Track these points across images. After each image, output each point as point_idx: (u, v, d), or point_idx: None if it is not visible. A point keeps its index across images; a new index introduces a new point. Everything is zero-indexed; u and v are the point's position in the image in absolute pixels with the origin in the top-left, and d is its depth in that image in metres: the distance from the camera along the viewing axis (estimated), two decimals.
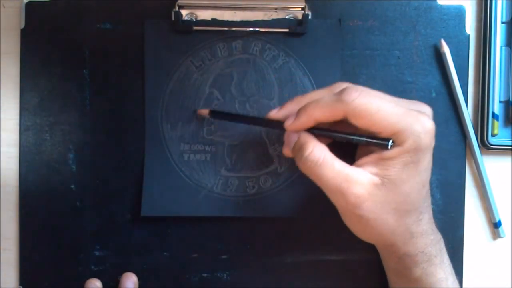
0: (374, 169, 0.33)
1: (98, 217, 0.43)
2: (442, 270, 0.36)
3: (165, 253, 0.43)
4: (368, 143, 0.33)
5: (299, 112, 0.35)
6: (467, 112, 0.42)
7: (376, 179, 0.32)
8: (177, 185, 0.42)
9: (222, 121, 0.42)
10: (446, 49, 0.41)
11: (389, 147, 0.32)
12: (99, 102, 0.43)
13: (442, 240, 0.37)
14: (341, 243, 0.43)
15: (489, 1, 0.42)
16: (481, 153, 0.43)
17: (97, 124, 0.43)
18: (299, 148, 0.35)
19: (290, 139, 0.36)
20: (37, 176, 0.43)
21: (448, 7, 0.43)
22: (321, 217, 0.41)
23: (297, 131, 0.35)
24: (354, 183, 0.32)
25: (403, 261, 0.36)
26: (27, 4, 0.42)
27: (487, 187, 0.43)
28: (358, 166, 0.33)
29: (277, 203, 0.42)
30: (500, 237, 0.44)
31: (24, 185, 0.43)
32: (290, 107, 0.36)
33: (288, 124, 0.35)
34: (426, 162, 0.33)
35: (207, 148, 0.42)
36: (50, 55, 0.43)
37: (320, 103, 0.33)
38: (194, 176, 0.42)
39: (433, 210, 0.42)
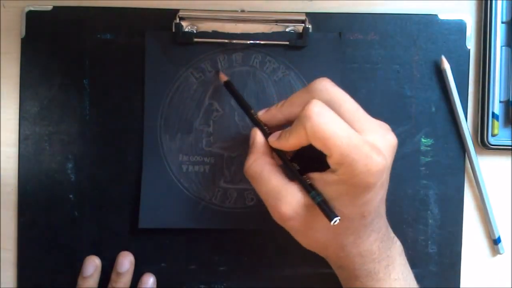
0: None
1: (96, 228, 0.43)
2: (387, 284, 0.35)
3: (162, 264, 0.43)
4: (318, 206, 0.33)
5: (281, 135, 0.34)
6: (467, 129, 0.42)
7: (307, 200, 0.33)
8: (175, 197, 0.42)
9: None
10: (446, 65, 0.41)
11: (331, 222, 0.31)
12: (99, 112, 0.43)
13: (392, 256, 0.36)
14: None
15: (489, 1, 0.42)
16: (482, 154, 0.43)
17: (96, 134, 0.43)
18: (247, 154, 0.36)
19: (250, 136, 0.37)
20: (35, 185, 0.43)
21: (449, 22, 0.43)
22: None
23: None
24: (282, 202, 0.33)
25: (341, 272, 0.37)
26: (28, 13, 0.42)
27: (487, 204, 0.43)
28: (309, 179, 0.33)
29: None
30: (500, 253, 0.44)
31: (22, 195, 0.43)
32: (271, 114, 0.36)
33: (271, 140, 0.35)
34: (367, 197, 0.32)
35: (206, 159, 0.42)
36: (50, 64, 0.43)
37: (292, 133, 0.33)
38: (192, 187, 0.42)
39: (431, 225, 0.43)
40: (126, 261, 0.42)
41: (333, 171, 0.32)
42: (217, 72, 0.42)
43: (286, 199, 0.33)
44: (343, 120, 0.31)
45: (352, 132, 0.31)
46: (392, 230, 0.37)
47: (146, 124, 0.42)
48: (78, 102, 0.43)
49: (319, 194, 0.32)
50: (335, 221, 0.31)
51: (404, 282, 0.36)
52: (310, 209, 0.33)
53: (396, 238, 0.37)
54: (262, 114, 0.37)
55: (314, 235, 0.34)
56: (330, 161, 0.31)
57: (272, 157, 0.35)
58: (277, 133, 0.35)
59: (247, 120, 0.42)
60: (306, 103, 0.32)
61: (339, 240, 0.34)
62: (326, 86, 0.34)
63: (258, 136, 0.36)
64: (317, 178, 0.33)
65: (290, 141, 0.33)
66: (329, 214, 0.32)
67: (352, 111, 0.33)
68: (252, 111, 0.38)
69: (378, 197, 0.33)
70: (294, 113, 0.34)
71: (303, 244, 0.36)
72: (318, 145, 0.31)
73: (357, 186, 0.31)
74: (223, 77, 0.41)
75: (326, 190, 0.32)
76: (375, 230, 0.35)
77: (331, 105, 0.32)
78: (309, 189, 0.33)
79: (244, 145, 0.42)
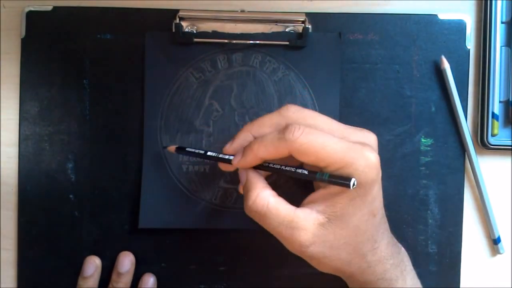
0: (321, 206, 0.33)
1: (96, 227, 0.43)
2: None
3: (162, 264, 0.43)
4: (330, 182, 0.32)
5: (245, 150, 0.34)
6: (467, 129, 0.42)
7: (322, 218, 0.32)
8: (175, 197, 0.42)
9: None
10: (446, 65, 0.41)
11: (351, 187, 0.31)
12: (99, 112, 0.43)
13: (404, 260, 0.37)
14: None
15: (489, 1, 0.42)
16: (482, 154, 0.43)
17: (96, 134, 0.43)
18: (245, 193, 0.34)
19: (241, 177, 0.36)
20: (35, 185, 0.43)
21: (449, 22, 0.43)
22: None
23: (246, 168, 0.35)
24: (298, 230, 0.32)
25: None
26: (28, 13, 0.42)
27: (487, 204, 0.43)
28: (307, 203, 0.33)
29: None
30: (500, 253, 0.44)
31: (23, 195, 0.43)
32: (242, 138, 0.36)
33: (235, 162, 0.35)
34: (374, 193, 0.33)
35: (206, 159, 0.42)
36: (50, 65, 0.43)
37: (264, 142, 0.33)
38: (192, 187, 0.42)
39: (431, 225, 0.43)
40: (126, 261, 0.42)
41: None
42: (164, 147, 0.42)
43: (302, 224, 0.32)
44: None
45: (338, 138, 0.32)
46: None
47: (146, 124, 0.42)
48: (78, 102, 0.43)
49: (323, 172, 0.32)
50: (354, 184, 0.30)
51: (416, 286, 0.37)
52: (327, 227, 0.32)
53: (399, 244, 0.37)
54: (229, 148, 0.36)
55: (337, 254, 0.33)
56: (330, 169, 0.32)
57: (272, 189, 0.34)
58: (238, 154, 0.35)
59: (247, 119, 0.42)
60: (278, 125, 0.33)
61: (360, 250, 0.34)
62: (296, 107, 0.35)
63: (249, 173, 0.35)
64: (321, 196, 0.33)
65: (261, 152, 0.33)
66: (344, 181, 0.30)
67: (327, 123, 0.34)
68: (214, 154, 0.37)
69: (381, 192, 0.34)
70: (264, 134, 0.34)
71: (324, 269, 0.35)
72: (310, 161, 0.32)
73: (364, 184, 0.31)
74: (171, 149, 0.40)
75: (335, 202, 0.32)
76: (385, 232, 0.35)
77: (306, 122, 0.33)
78: (312, 174, 0.32)
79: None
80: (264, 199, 0.33)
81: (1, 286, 0.43)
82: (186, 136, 0.42)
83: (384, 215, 0.35)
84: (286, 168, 0.34)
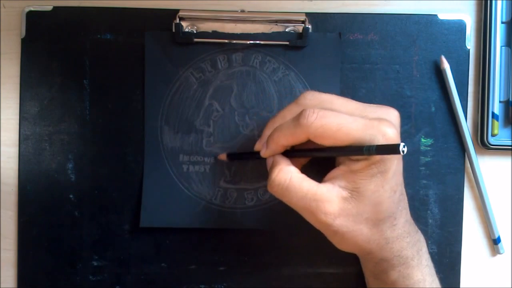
0: (343, 182, 0.33)
1: (97, 227, 0.43)
2: (420, 271, 0.36)
3: (162, 264, 0.43)
4: (379, 153, 0.31)
5: (268, 140, 0.36)
6: (467, 129, 0.42)
7: (345, 193, 0.33)
8: (176, 197, 0.42)
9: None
10: (446, 65, 0.42)
11: (402, 152, 0.28)
12: (99, 112, 0.43)
13: (421, 240, 0.37)
14: (339, 256, 0.43)
15: (489, 1, 0.42)
16: (482, 154, 0.43)
17: (96, 134, 0.43)
18: (269, 171, 0.35)
19: (268, 163, 0.37)
20: (36, 185, 0.43)
21: (449, 22, 0.43)
22: (318, 230, 0.41)
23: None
24: (323, 202, 0.33)
25: (380, 265, 0.36)
26: (28, 13, 0.42)
27: (487, 204, 0.43)
28: (329, 179, 0.34)
29: (276, 215, 0.42)
30: (500, 253, 0.44)
31: (23, 195, 0.43)
32: (266, 134, 0.37)
33: (262, 153, 0.37)
34: (393, 169, 0.32)
35: (206, 159, 0.42)
36: (50, 65, 0.43)
37: (282, 130, 0.34)
38: (193, 187, 0.42)
39: (431, 225, 0.43)
40: None
41: (356, 159, 0.32)
42: (215, 157, 0.42)
43: (327, 197, 0.33)
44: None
45: (354, 117, 0.32)
46: None
47: (146, 124, 0.42)
48: (78, 102, 0.43)
49: (369, 145, 0.31)
50: (404, 149, 0.28)
51: (430, 270, 0.37)
52: (350, 201, 0.33)
53: (415, 225, 0.37)
54: (258, 144, 0.38)
55: (359, 230, 0.34)
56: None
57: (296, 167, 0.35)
58: (263, 146, 0.36)
59: (247, 119, 0.42)
60: (296, 114, 0.33)
61: (380, 226, 0.34)
62: (313, 93, 0.35)
63: (275, 156, 0.36)
64: (342, 172, 0.33)
65: (281, 140, 0.34)
66: (394, 147, 0.29)
67: (345, 105, 0.34)
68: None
69: (400, 168, 0.34)
70: None
71: (345, 246, 0.35)
72: (329, 143, 0.32)
73: (385, 159, 0.32)
74: (223, 156, 0.42)
75: (357, 179, 0.32)
76: (403, 209, 0.35)
77: (323, 106, 0.34)
78: (358, 150, 0.31)
79: (244, 145, 0.42)
80: (287, 173, 0.34)
81: (1, 286, 0.43)
82: (186, 136, 0.42)
83: (404, 192, 0.35)
84: (332, 148, 0.33)
